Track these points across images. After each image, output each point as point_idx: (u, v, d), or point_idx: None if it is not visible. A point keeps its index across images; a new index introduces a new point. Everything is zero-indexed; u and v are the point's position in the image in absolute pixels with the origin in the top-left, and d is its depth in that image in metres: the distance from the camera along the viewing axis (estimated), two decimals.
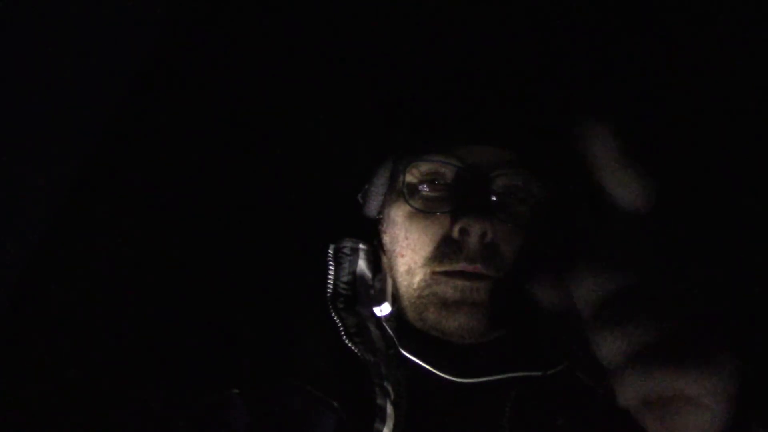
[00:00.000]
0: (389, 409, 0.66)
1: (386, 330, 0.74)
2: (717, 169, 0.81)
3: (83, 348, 0.71)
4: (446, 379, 0.70)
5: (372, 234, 0.81)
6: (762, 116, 0.82)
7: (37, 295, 0.67)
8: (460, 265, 0.69)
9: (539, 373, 0.69)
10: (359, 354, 0.70)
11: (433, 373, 0.70)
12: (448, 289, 0.70)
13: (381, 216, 0.80)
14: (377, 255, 0.81)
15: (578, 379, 0.69)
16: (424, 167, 0.74)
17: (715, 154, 0.82)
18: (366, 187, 0.82)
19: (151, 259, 0.81)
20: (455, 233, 0.70)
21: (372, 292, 0.77)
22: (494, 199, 0.71)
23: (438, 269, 0.71)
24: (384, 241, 0.78)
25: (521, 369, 0.70)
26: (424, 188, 0.74)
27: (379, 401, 0.66)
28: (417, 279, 0.72)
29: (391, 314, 0.75)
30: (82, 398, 0.66)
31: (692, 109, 0.85)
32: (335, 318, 0.73)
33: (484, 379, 0.69)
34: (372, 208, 0.81)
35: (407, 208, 0.74)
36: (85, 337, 0.71)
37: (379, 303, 0.75)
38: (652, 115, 0.85)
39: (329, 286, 0.76)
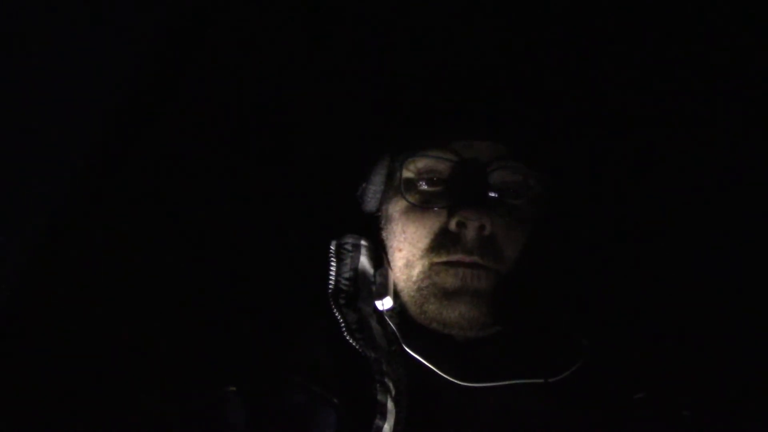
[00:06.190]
0: (390, 405, 0.65)
1: (388, 326, 0.74)
2: None
3: (80, 345, 0.72)
4: (448, 380, 0.69)
5: (372, 231, 0.81)
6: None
7: (36, 294, 0.68)
8: (458, 256, 0.69)
9: (545, 380, 0.69)
10: (360, 350, 0.70)
11: (436, 372, 0.70)
12: (449, 277, 0.70)
13: (379, 213, 0.80)
14: (379, 251, 0.80)
15: (590, 383, 0.69)
16: (421, 163, 0.73)
17: None
18: (364, 184, 0.81)
19: (150, 255, 0.81)
20: (452, 226, 0.70)
21: (373, 287, 0.77)
22: (491, 193, 0.71)
23: (436, 260, 0.71)
24: (383, 237, 0.78)
25: (526, 370, 0.69)
26: (421, 183, 0.73)
27: (380, 397, 0.66)
28: (416, 271, 0.72)
29: (392, 309, 0.75)
30: (79, 396, 0.67)
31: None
32: (336, 314, 0.73)
33: (489, 384, 0.68)
34: (370, 205, 0.81)
35: (404, 203, 0.74)
36: (82, 335, 0.72)
37: (380, 297, 0.75)
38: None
39: (331, 282, 0.76)
